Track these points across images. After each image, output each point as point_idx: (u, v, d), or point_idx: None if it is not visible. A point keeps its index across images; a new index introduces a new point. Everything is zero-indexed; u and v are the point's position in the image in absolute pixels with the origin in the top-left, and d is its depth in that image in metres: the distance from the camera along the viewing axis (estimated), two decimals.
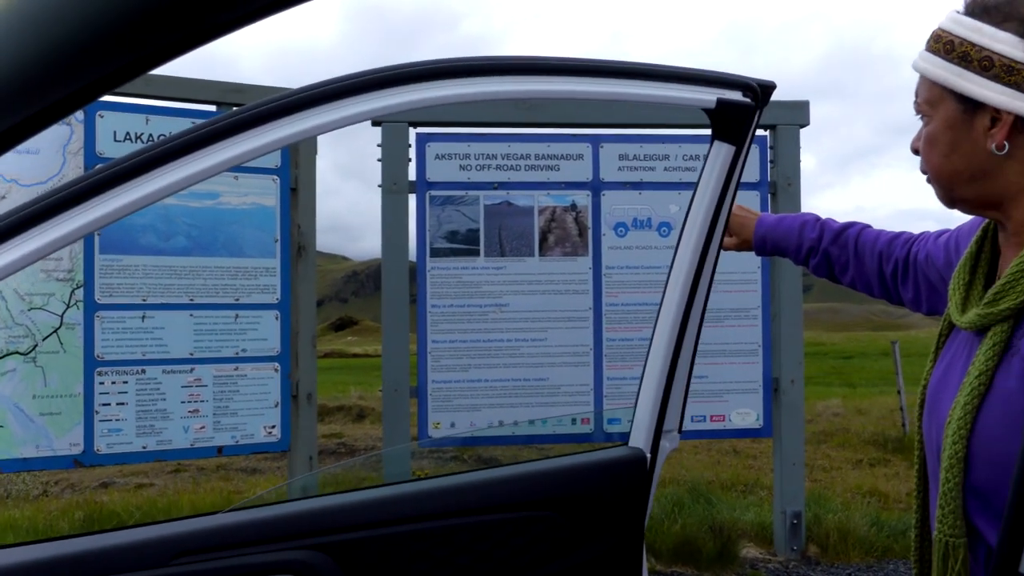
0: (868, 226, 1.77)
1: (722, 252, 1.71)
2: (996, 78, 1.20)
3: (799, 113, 4.68)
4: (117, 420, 3.84)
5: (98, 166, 1.00)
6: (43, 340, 3.72)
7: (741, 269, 4.47)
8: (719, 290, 4.16)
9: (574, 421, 4.41)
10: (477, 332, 4.35)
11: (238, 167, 3.17)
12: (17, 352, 3.67)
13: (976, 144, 1.24)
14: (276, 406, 4.14)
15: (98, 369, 3.82)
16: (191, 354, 3.99)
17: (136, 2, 0.60)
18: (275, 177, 4.16)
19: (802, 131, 4.68)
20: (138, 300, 3.90)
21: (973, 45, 1.22)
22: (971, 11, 1.24)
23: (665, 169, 4.51)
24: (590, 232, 4.45)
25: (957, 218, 1.44)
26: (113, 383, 3.84)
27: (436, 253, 4.35)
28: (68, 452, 3.75)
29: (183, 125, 3.76)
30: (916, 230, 1.70)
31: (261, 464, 7.84)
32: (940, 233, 1.59)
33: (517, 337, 4.37)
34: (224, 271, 4.05)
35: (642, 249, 4.48)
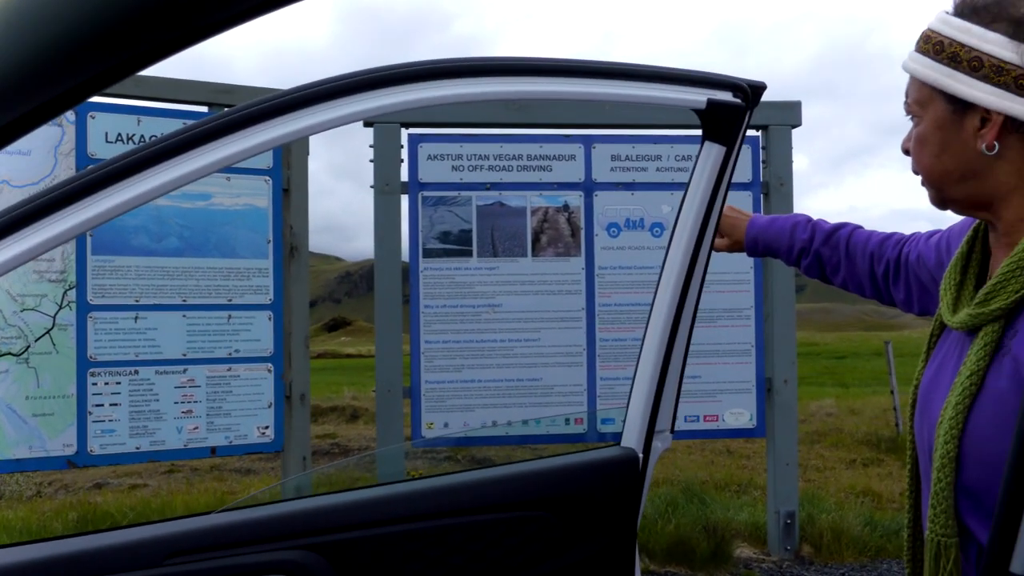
0: (859, 227, 1.77)
1: (714, 252, 1.71)
2: (985, 78, 1.20)
3: (791, 113, 4.69)
4: (110, 421, 3.83)
5: (89, 167, 0.99)
6: (36, 341, 3.71)
7: (734, 269, 4.47)
8: (712, 290, 4.17)
9: (567, 421, 4.41)
10: (470, 332, 4.34)
11: (230, 168, 3.16)
12: (10, 353, 3.66)
13: (966, 144, 1.25)
14: (269, 407, 4.13)
15: (91, 370, 3.81)
16: (184, 355, 3.98)
17: (128, 1, 0.60)
18: (267, 178, 4.16)
19: (794, 131, 4.69)
20: (131, 301, 3.89)
21: (962, 46, 1.22)
22: (960, 12, 1.25)
23: (657, 169, 4.51)
24: (583, 232, 4.45)
25: (949, 219, 1.45)
26: (106, 384, 3.83)
27: (429, 254, 4.35)
28: (61, 453, 3.74)
29: (174, 126, 3.75)
30: (909, 230, 1.70)
31: (255, 465, 7.83)
32: (931, 234, 1.59)
33: (510, 337, 4.36)
34: (217, 272, 4.05)
35: (635, 249, 4.48)
